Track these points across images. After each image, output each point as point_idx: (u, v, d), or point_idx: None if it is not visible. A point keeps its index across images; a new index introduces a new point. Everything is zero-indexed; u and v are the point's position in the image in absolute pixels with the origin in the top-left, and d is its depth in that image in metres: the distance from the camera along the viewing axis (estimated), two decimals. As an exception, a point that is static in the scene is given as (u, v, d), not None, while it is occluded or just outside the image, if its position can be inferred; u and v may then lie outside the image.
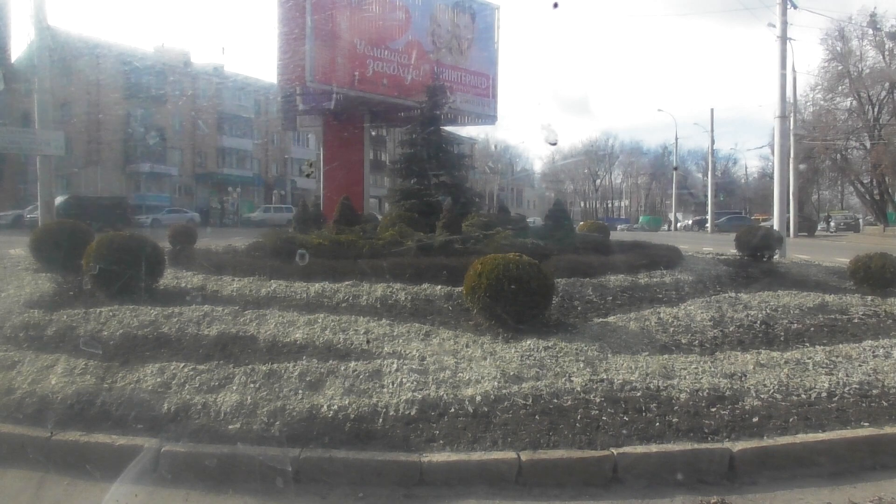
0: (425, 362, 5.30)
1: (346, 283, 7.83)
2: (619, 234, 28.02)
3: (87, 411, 4.48)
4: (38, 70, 14.22)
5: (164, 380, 4.89)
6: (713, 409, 4.54)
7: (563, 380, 4.94)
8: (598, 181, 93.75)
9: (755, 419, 4.40)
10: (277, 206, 50.69)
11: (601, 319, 6.90)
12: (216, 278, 8.34)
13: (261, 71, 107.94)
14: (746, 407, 4.58)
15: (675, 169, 59.24)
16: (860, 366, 5.52)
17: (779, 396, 4.79)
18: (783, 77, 18.42)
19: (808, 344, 6.36)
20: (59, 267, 8.66)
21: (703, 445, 4.06)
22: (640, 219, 67.08)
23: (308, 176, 53.49)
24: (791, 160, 29.12)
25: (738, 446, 4.03)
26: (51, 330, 6.21)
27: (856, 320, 7.34)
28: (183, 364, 5.17)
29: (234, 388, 4.77)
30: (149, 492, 3.76)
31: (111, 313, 6.52)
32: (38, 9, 13.98)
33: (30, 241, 9.36)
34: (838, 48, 41.13)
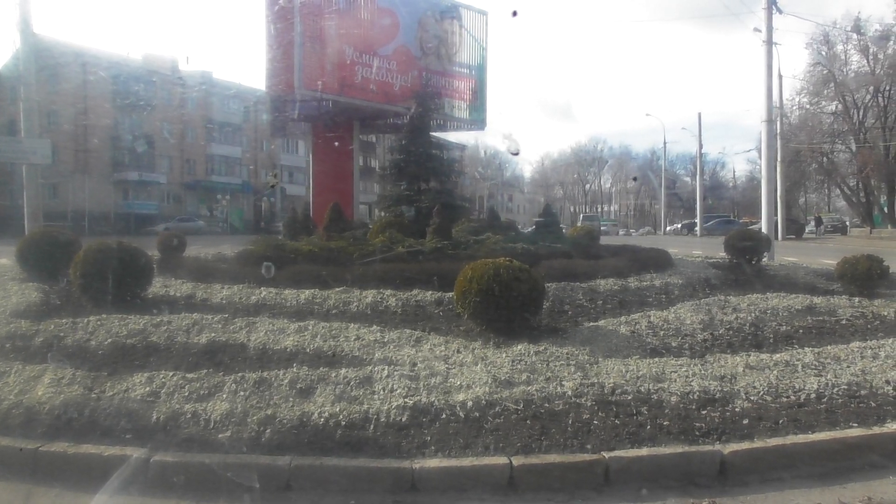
0: (416, 368, 5.28)
1: (337, 289, 7.81)
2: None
3: (75, 422, 4.42)
4: (24, 78, 14.13)
5: (153, 389, 4.85)
6: (704, 412, 4.55)
7: (555, 384, 4.94)
8: (587, 185, 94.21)
9: (745, 421, 4.41)
10: None
11: (592, 323, 6.92)
12: (205, 286, 8.29)
13: (250, 78, 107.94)
14: (737, 409, 4.60)
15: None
16: (848, 367, 5.55)
17: (769, 398, 4.81)
18: (769, 81, 18.61)
19: (796, 346, 6.39)
20: (46, 276, 8.58)
21: (694, 448, 4.06)
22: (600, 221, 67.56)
23: (272, 187, 53.15)
24: (778, 163, 29.36)
25: (729, 448, 4.04)
26: (38, 340, 6.13)
27: (844, 322, 7.41)
28: (172, 373, 5.12)
29: (224, 396, 4.73)
30: (138, 502, 3.72)
31: (99, 322, 6.46)
32: (24, 16, 13.89)
33: (16, 250, 9.25)
34: (823, 52, 41.78)
